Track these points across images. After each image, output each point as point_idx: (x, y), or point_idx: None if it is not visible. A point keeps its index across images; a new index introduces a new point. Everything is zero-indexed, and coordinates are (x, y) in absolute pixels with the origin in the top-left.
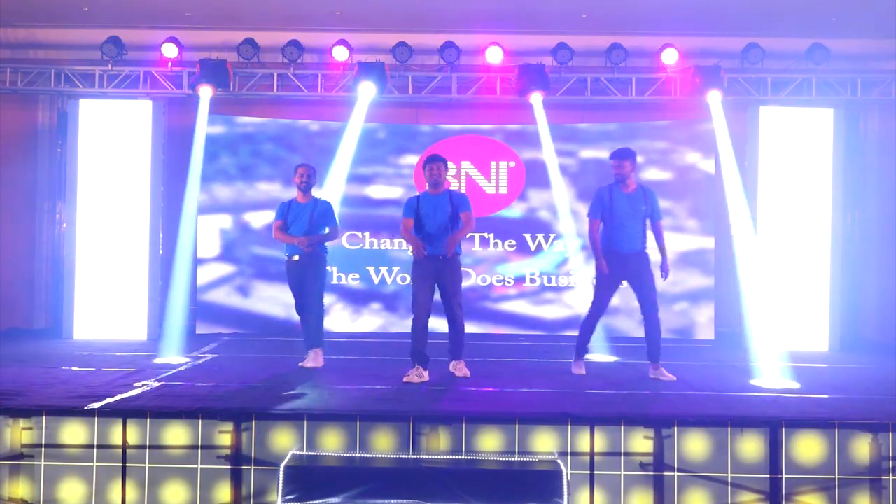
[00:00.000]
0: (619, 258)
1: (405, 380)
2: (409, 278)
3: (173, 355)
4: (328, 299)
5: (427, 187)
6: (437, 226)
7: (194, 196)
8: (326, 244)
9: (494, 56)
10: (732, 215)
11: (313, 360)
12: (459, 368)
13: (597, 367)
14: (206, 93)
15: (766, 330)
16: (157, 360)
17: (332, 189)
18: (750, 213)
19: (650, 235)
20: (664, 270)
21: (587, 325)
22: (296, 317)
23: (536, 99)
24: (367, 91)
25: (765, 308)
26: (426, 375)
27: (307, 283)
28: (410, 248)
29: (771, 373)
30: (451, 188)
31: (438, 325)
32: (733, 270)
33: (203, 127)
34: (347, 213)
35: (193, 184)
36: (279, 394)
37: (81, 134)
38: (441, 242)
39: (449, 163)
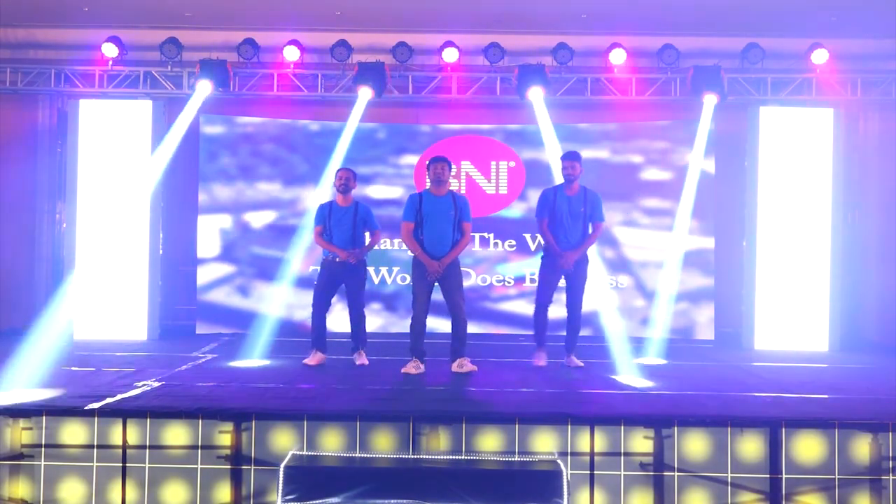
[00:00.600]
0: (558, 255)
1: (403, 371)
2: (409, 278)
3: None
4: None
5: (429, 186)
6: (439, 227)
7: (151, 187)
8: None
9: (494, 56)
10: (680, 219)
11: (361, 358)
12: (465, 365)
13: (597, 367)
14: (203, 88)
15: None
16: (142, 374)
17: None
18: (750, 213)
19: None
20: (574, 254)
21: (539, 316)
22: (296, 316)
23: (537, 94)
24: (363, 93)
25: (765, 308)
26: (423, 368)
27: (353, 285)
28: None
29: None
30: (452, 189)
31: (439, 325)
32: (733, 270)
33: (188, 119)
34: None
35: (155, 176)
36: (279, 394)
37: (81, 134)
38: (442, 244)
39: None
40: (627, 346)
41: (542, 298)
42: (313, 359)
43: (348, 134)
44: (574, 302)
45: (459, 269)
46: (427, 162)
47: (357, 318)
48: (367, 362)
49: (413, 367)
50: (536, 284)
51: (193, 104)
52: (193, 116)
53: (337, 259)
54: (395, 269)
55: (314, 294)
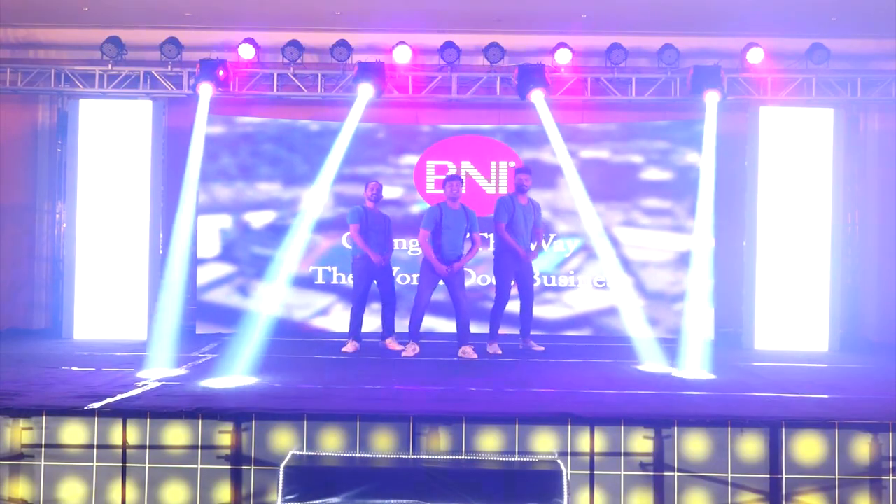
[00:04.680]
0: (514, 255)
1: (403, 355)
2: (409, 278)
3: (167, 366)
4: (328, 299)
5: (447, 201)
6: (453, 237)
7: (192, 196)
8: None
9: (494, 56)
10: (754, 215)
11: (412, 349)
12: (468, 352)
13: (597, 367)
14: (206, 91)
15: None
16: (142, 374)
17: (322, 188)
18: (750, 213)
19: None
20: (532, 255)
21: (497, 310)
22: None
23: (538, 97)
24: (363, 90)
25: (765, 308)
26: (419, 349)
27: (385, 281)
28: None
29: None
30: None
31: (439, 325)
32: (733, 270)
33: (202, 126)
34: (347, 212)
35: (191, 183)
36: (279, 394)
37: (81, 134)
38: (454, 252)
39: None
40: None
41: (506, 297)
42: (351, 346)
43: (347, 133)
44: (529, 295)
45: (463, 270)
46: (443, 180)
47: (392, 310)
48: (400, 348)
49: (411, 350)
50: (495, 285)
51: (202, 108)
52: (196, 117)
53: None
54: (396, 269)
55: (357, 291)
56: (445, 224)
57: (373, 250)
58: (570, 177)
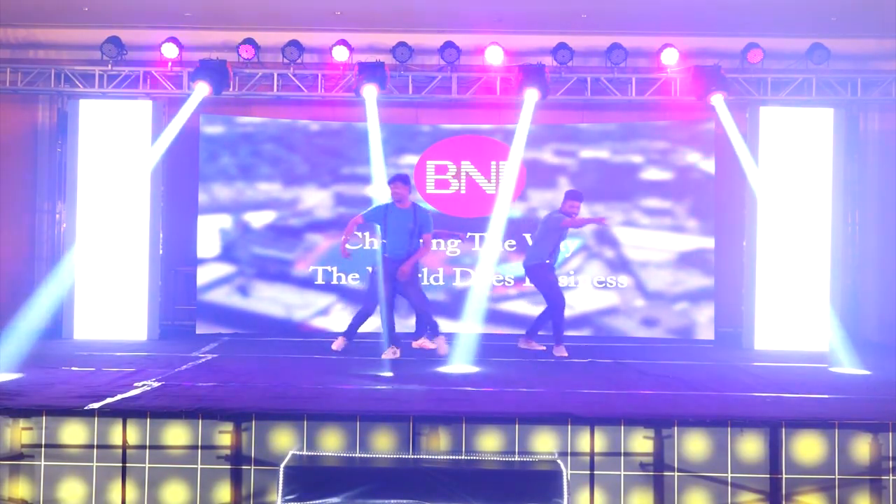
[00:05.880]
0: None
1: (382, 356)
2: None
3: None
4: (328, 299)
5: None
6: (398, 237)
7: (147, 191)
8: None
9: (494, 56)
10: (754, 215)
11: (441, 345)
12: (426, 343)
13: (597, 367)
14: (201, 90)
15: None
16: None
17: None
18: (750, 213)
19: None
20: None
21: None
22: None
23: (531, 96)
24: (368, 91)
25: (765, 308)
26: (398, 353)
27: (410, 281)
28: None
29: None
30: (415, 203)
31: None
32: (733, 270)
33: (182, 120)
34: (347, 212)
35: (154, 178)
36: (279, 394)
37: (81, 134)
38: (397, 251)
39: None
40: None
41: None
42: (440, 348)
43: (375, 131)
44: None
45: (415, 267)
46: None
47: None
48: (434, 346)
49: (391, 352)
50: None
51: (190, 104)
52: (189, 116)
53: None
54: None
55: (384, 293)
56: (390, 223)
57: (385, 248)
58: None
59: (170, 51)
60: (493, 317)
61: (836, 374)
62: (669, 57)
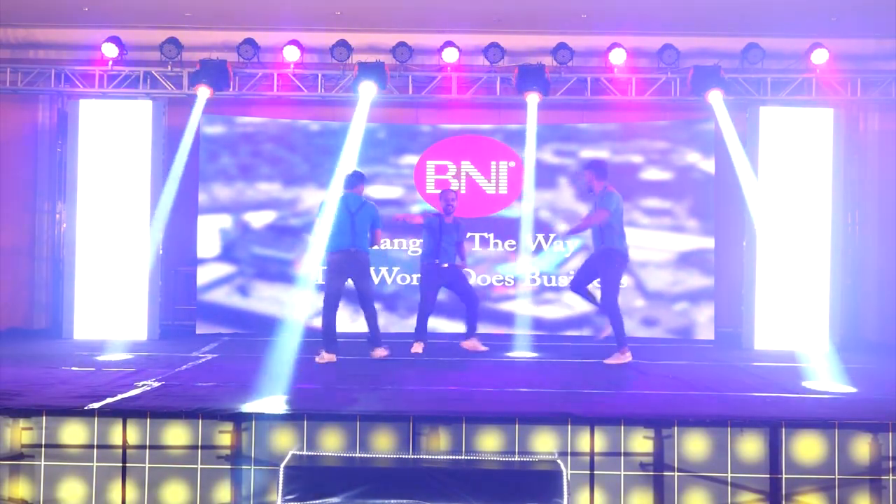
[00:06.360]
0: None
1: (318, 360)
2: (409, 278)
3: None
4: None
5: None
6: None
7: (170, 196)
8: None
9: (495, 56)
10: (751, 214)
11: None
12: (378, 353)
13: (597, 367)
14: (203, 93)
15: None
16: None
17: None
18: (750, 213)
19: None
20: None
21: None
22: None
23: (532, 99)
24: (367, 91)
25: (765, 308)
26: (334, 358)
27: (463, 283)
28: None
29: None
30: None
31: (440, 325)
32: (733, 270)
33: (194, 126)
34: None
35: (172, 184)
36: (279, 394)
37: (81, 134)
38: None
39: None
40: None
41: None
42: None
43: (356, 134)
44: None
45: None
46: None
47: (473, 310)
48: (484, 349)
49: (327, 357)
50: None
51: (197, 109)
52: (192, 117)
53: (445, 265)
54: (395, 269)
55: (426, 295)
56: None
57: (440, 256)
58: (529, 179)
59: (170, 51)
60: (493, 317)
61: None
62: (669, 57)
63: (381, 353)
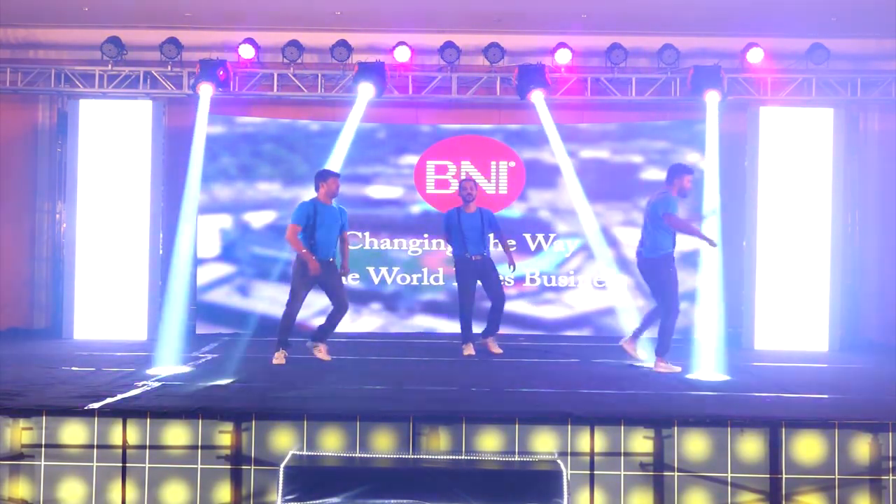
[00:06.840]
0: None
1: (274, 362)
2: (409, 278)
3: (172, 363)
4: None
5: (322, 198)
6: (327, 235)
7: (195, 196)
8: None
9: (495, 56)
10: (754, 215)
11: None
12: (321, 351)
13: (597, 367)
14: (206, 91)
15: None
16: (152, 371)
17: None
18: (750, 213)
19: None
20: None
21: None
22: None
23: (538, 98)
24: (367, 91)
25: (765, 308)
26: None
27: (494, 279)
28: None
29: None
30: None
31: (440, 325)
32: (733, 270)
33: (203, 126)
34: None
35: (193, 184)
36: (279, 394)
37: (81, 134)
38: (327, 250)
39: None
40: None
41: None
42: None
43: (348, 133)
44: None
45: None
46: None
47: (497, 310)
48: (499, 350)
49: (283, 357)
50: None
51: (202, 108)
52: (192, 117)
53: (475, 258)
54: (395, 269)
55: (462, 291)
56: (319, 222)
57: (467, 248)
58: (569, 177)
59: (170, 51)
60: None
61: (837, 373)
62: (669, 57)
63: (322, 350)
